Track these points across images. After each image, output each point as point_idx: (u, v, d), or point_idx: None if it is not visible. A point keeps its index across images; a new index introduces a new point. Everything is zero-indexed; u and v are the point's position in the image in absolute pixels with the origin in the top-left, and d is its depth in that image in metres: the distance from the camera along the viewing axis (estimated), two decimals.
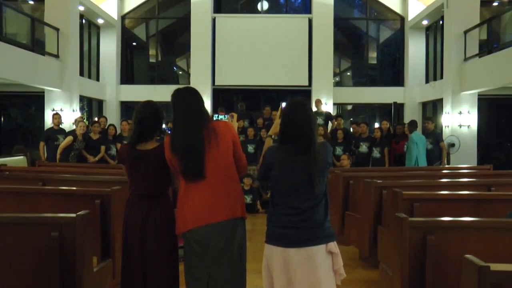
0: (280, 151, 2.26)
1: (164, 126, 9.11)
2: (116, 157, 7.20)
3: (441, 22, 11.71)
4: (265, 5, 13.48)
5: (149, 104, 2.76)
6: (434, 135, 8.07)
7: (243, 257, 2.43)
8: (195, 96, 2.49)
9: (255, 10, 13.67)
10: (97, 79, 12.79)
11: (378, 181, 4.33)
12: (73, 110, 10.20)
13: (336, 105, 12.97)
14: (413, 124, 7.89)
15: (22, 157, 8.14)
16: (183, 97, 2.47)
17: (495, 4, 11.36)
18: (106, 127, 8.14)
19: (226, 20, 12.77)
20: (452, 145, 8.96)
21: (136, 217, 2.62)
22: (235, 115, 2.73)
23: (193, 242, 2.37)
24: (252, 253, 3.63)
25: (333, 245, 2.19)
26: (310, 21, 12.59)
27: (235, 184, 2.44)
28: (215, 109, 11.71)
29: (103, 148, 7.60)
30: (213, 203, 2.34)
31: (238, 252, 2.40)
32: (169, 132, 8.65)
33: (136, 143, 2.66)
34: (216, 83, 12.42)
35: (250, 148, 8.68)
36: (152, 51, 13.92)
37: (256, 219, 6.91)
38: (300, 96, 12.78)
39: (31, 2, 11.89)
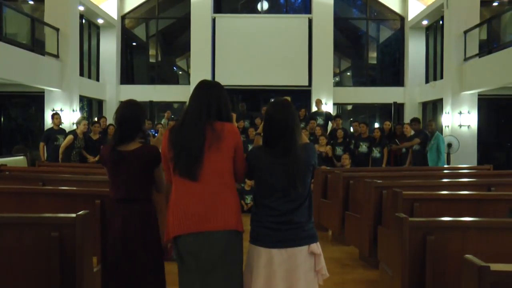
0: (262, 152, 2.24)
1: (152, 130, 9.05)
2: (97, 157, 7.14)
3: (441, 22, 11.71)
4: (265, 5, 13.48)
5: (130, 103, 2.65)
6: (422, 134, 8.11)
7: (239, 274, 2.21)
8: (214, 92, 2.27)
9: (255, 10, 13.66)
10: (97, 79, 12.79)
11: (378, 181, 4.33)
12: (73, 110, 10.21)
13: (336, 105, 12.97)
14: (435, 124, 8.00)
15: (22, 157, 8.13)
16: (200, 90, 2.28)
17: (495, 4, 11.36)
18: (106, 127, 8.15)
19: (226, 20, 12.77)
20: (449, 145, 8.97)
21: (116, 223, 2.51)
22: (234, 115, 2.52)
23: (182, 251, 2.17)
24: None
25: (315, 246, 2.19)
26: (310, 21, 12.59)
27: (230, 193, 2.21)
28: None
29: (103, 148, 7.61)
30: (204, 210, 2.13)
31: (233, 268, 2.18)
32: (154, 133, 8.60)
33: (117, 144, 2.56)
34: None
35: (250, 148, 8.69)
36: (152, 51, 13.92)
37: None
38: (301, 96, 12.82)
39: (31, 2, 11.89)
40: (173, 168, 2.18)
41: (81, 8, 11.07)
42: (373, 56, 13.83)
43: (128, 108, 2.62)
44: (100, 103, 12.84)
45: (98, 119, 9.43)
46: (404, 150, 8.19)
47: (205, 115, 2.19)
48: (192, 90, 2.31)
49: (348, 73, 14.42)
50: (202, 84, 2.32)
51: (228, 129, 2.21)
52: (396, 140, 8.31)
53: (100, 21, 12.48)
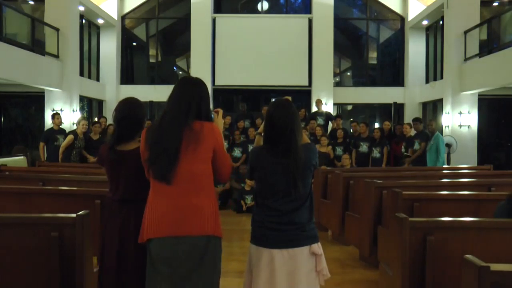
0: (263, 152, 2.24)
1: None
2: (97, 157, 7.10)
3: (441, 22, 11.71)
4: (265, 5, 13.48)
5: (129, 102, 2.59)
6: (423, 135, 8.08)
7: (215, 284, 2.12)
8: (196, 90, 2.18)
9: (255, 10, 13.66)
10: (97, 79, 12.79)
11: (378, 181, 4.33)
12: (73, 110, 10.21)
13: (336, 105, 12.97)
14: (436, 124, 7.95)
15: (22, 157, 8.13)
16: (181, 87, 2.19)
17: (495, 4, 11.35)
18: (106, 127, 8.16)
19: (226, 20, 12.77)
20: (448, 145, 8.97)
21: (114, 223, 2.43)
22: (221, 111, 2.39)
23: (154, 256, 2.08)
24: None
25: (316, 247, 2.19)
26: (310, 21, 12.59)
27: (207, 196, 2.11)
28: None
29: None
30: (179, 214, 2.05)
31: (209, 277, 2.07)
32: None
33: (116, 143, 2.50)
34: (216, 83, 12.43)
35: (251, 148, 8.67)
36: (152, 51, 13.92)
37: None
38: (301, 96, 12.81)
39: (31, 2, 11.88)
40: (148, 170, 2.13)
41: (81, 8, 11.07)
42: (373, 56, 13.82)
43: (127, 106, 2.55)
44: (100, 103, 12.84)
45: (98, 119, 9.43)
46: (403, 150, 8.18)
47: (183, 115, 2.10)
48: (176, 85, 2.23)
49: (348, 73, 14.42)
50: (183, 82, 2.23)
51: (207, 129, 2.12)
52: (406, 153, 8.12)
53: (100, 21, 12.48)
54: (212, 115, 2.31)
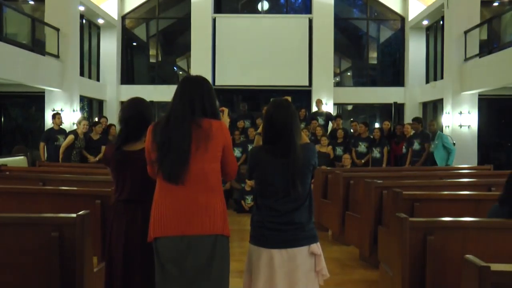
0: (262, 152, 2.24)
1: None
2: (102, 157, 7.12)
3: (441, 22, 11.70)
4: (265, 5, 13.48)
5: (135, 102, 2.58)
6: (423, 135, 8.07)
7: (226, 283, 2.11)
8: (201, 88, 2.15)
9: (255, 10, 13.66)
10: (98, 79, 12.79)
11: (378, 181, 4.33)
12: (74, 110, 10.21)
13: (337, 105, 12.97)
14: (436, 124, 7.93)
15: (22, 157, 8.14)
16: (183, 87, 2.16)
17: (496, 4, 11.36)
18: (106, 127, 8.17)
19: (226, 20, 12.77)
20: None
21: (120, 224, 2.43)
22: (226, 110, 2.38)
23: (162, 256, 2.04)
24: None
25: (316, 247, 2.19)
26: (310, 21, 12.59)
27: (216, 195, 2.09)
28: None
29: (104, 148, 7.61)
30: (188, 213, 2.02)
31: (220, 277, 2.06)
32: None
33: (123, 143, 2.49)
34: (216, 83, 12.42)
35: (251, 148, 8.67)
36: (152, 51, 13.93)
37: None
38: (301, 96, 12.81)
39: (31, 2, 11.89)
40: (157, 170, 2.09)
41: (82, 8, 11.06)
42: (373, 56, 13.82)
43: (134, 106, 2.55)
44: (100, 103, 12.84)
45: (98, 119, 9.44)
46: (404, 150, 8.17)
47: (189, 113, 2.08)
48: (180, 84, 2.20)
49: (349, 73, 14.42)
50: (183, 82, 2.20)
51: (216, 127, 2.09)
52: (414, 158, 8.06)
53: (100, 21, 12.49)
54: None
